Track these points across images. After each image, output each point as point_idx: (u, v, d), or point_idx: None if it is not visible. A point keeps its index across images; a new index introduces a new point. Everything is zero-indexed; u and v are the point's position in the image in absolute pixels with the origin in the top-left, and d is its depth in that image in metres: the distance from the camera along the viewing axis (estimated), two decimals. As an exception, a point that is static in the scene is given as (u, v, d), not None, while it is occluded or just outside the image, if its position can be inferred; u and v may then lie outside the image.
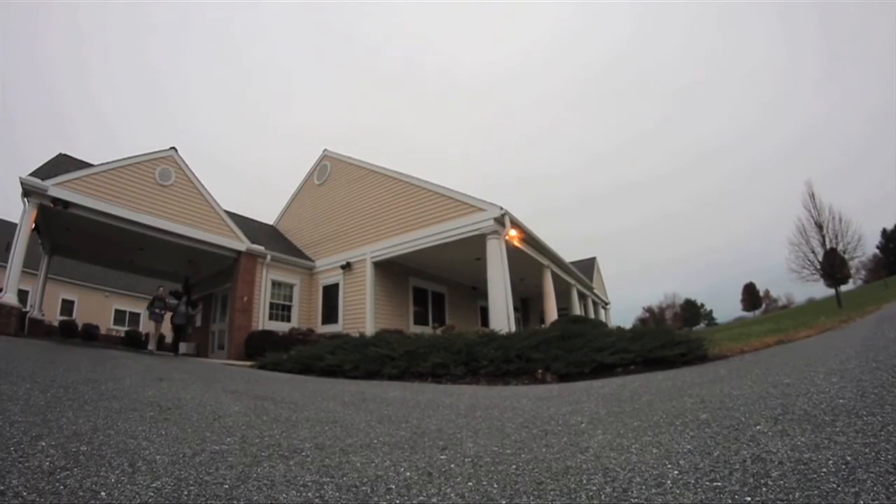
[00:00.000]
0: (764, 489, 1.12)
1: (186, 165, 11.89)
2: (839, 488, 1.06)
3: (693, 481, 1.24)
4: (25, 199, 9.21)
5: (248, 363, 8.90)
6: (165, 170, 11.40)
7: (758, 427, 1.64)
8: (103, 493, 1.25)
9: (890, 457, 1.18)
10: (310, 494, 1.30)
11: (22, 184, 9.03)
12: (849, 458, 1.22)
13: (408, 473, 1.50)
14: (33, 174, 9.43)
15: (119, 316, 24.13)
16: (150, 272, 17.06)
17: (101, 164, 10.48)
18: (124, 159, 10.75)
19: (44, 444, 1.63)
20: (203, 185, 12.22)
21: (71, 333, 16.62)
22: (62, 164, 11.10)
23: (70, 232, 11.44)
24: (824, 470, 1.17)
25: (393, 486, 1.37)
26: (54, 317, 18.90)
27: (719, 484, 1.20)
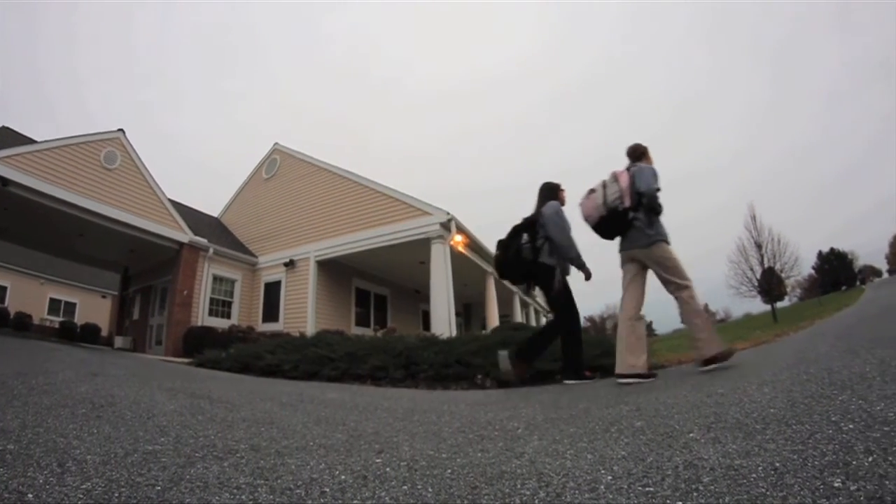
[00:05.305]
0: (695, 494, 1.14)
1: (133, 149, 11.27)
2: (768, 492, 1.09)
3: (626, 486, 1.25)
4: (-44, 175, 8.48)
5: (186, 360, 8.54)
6: (111, 152, 10.76)
7: (691, 434, 1.68)
8: (30, 496, 1.18)
9: (817, 462, 1.22)
10: (244, 497, 1.26)
11: (-48, 157, 8.32)
12: (778, 465, 1.26)
13: (343, 477, 1.46)
14: (-34, 147, 8.71)
15: (54, 305, 22.63)
16: (89, 260, 16.07)
17: (45, 142, 9.78)
18: (70, 138, 10.07)
19: (-38, 442, 1.50)
20: (149, 172, 11.61)
21: (2, 323, 15.43)
22: (3, 139, 10.31)
23: (7, 212, 10.60)
24: (754, 475, 1.21)
25: (327, 490, 1.34)
26: (-19, 304, 17.50)
27: (652, 489, 1.22)
